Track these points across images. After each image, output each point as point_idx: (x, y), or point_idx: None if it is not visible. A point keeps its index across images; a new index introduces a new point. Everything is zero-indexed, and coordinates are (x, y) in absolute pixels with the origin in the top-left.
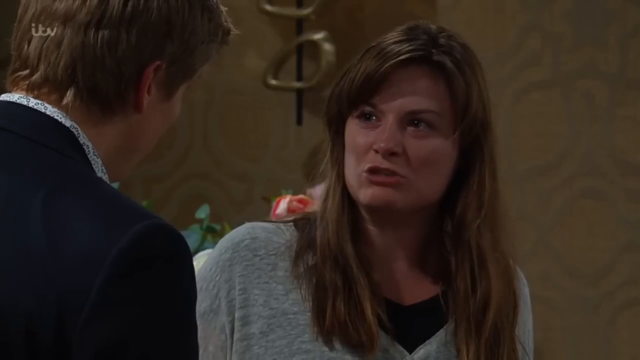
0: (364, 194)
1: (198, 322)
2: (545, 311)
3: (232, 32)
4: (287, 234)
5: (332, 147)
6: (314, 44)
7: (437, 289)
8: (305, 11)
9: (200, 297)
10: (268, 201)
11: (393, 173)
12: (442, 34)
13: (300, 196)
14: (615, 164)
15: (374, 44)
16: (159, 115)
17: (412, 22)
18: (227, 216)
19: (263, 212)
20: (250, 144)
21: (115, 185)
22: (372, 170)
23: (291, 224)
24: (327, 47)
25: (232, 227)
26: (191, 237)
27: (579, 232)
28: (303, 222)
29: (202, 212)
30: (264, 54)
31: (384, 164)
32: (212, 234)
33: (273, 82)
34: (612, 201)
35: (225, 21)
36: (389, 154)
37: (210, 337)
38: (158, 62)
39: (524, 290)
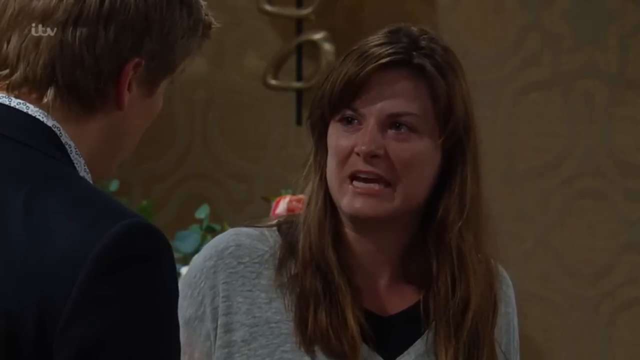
0: (347, 204)
1: (184, 329)
2: (545, 311)
3: (213, 26)
4: (271, 240)
5: (316, 151)
6: (314, 44)
7: (418, 296)
8: (305, 11)
9: (185, 303)
10: (268, 201)
11: (375, 177)
12: (424, 36)
13: (300, 196)
14: (615, 164)
15: (355, 47)
16: (141, 112)
17: (393, 24)
18: (227, 216)
19: (263, 212)
20: (250, 144)
21: (114, 185)
22: (355, 176)
23: (275, 228)
24: (327, 47)
25: (232, 227)
26: (191, 237)
27: (579, 232)
28: (287, 226)
29: (202, 212)
30: (263, 54)
31: (366, 168)
32: (212, 233)
33: (273, 82)
34: (611, 201)
35: (206, 15)
36: (371, 157)
37: (196, 343)
38: (137, 59)
39: (507, 292)
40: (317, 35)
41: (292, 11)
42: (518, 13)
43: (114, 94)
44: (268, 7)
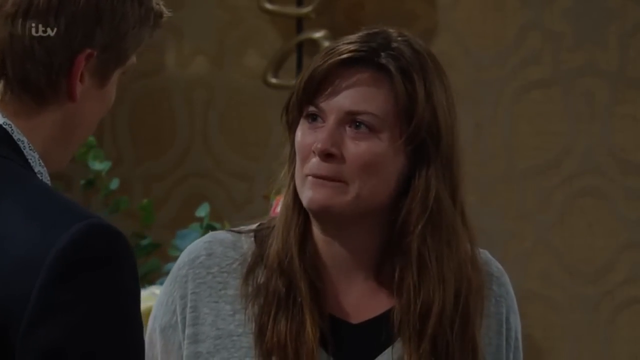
0: (305, 196)
1: (160, 336)
2: (545, 310)
3: (165, 15)
4: (245, 247)
5: (290, 151)
6: (314, 43)
7: (392, 302)
8: (306, 10)
9: (161, 311)
10: (268, 199)
11: (331, 179)
12: (400, 38)
13: None
14: (615, 163)
15: (330, 44)
16: (95, 103)
17: (377, 26)
18: (227, 215)
19: (263, 211)
20: (250, 142)
21: (115, 183)
22: (312, 177)
23: (252, 234)
24: (328, 45)
25: (232, 226)
26: (191, 235)
27: (579, 231)
28: (264, 232)
29: (202, 211)
30: (264, 53)
31: (322, 170)
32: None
33: (273, 80)
34: (612, 200)
35: (157, 4)
36: (325, 155)
37: (171, 352)
38: (89, 51)
39: (499, 291)
40: (318, 34)
41: (292, 10)
42: (518, 12)
43: (66, 85)
44: (268, 6)
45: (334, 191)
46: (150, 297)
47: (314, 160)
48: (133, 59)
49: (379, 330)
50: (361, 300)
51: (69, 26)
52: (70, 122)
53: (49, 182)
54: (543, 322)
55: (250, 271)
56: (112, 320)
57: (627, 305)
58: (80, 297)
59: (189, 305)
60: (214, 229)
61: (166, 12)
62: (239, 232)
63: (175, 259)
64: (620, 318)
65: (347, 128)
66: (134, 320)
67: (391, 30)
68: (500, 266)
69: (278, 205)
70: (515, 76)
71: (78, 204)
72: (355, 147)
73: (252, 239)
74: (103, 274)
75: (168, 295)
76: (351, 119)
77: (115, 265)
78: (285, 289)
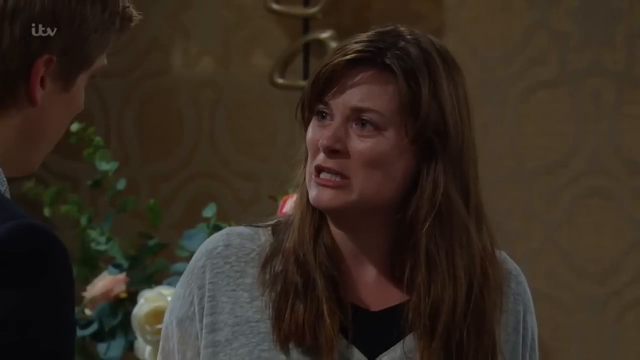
0: (312, 196)
1: (177, 329)
2: (552, 310)
3: (134, 19)
4: (263, 239)
5: (304, 149)
6: (321, 43)
7: (406, 295)
8: (312, 10)
9: (178, 304)
10: (275, 200)
11: (335, 173)
12: (409, 37)
13: None
14: (622, 163)
15: (341, 42)
16: (61, 107)
17: (389, 25)
18: (234, 215)
19: (270, 211)
20: (257, 142)
21: (121, 184)
22: (318, 169)
23: (270, 227)
24: (334, 45)
25: (239, 226)
26: (198, 235)
27: (586, 231)
28: (282, 226)
29: (209, 211)
30: (270, 53)
31: (327, 163)
32: None
33: (280, 80)
34: (619, 200)
35: (126, 7)
36: (330, 152)
37: (188, 343)
38: (48, 56)
39: (517, 289)
40: (324, 34)
41: (299, 10)
42: (525, 12)
43: (26, 91)
44: (275, 6)
45: (337, 191)
46: (158, 298)
47: (321, 155)
48: (102, 62)
49: (398, 320)
50: (379, 288)
51: (24, 31)
52: (34, 126)
53: (4, 183)
54: (550, 322)
55: (268, 260)
56: (40, 318)
57: (634, 306)
58: (6, 294)
59: (207, 295)
60: (220, 229)
61: (136, 15)
62: (257, 227)
63: (182, 259)
64: (627, 318)
65: (354, 125)
66: (64, 319)
67: (402, 29)
68: (517, 266)
69: (285, 206)
70: (522, 76)
71: (14, 205)
72: (360, 144)
73: (270, 232)
74: (31, 272)
75: (185, 288)
76: (357, 116)
77: (43, 264)
78: (303, 280)
